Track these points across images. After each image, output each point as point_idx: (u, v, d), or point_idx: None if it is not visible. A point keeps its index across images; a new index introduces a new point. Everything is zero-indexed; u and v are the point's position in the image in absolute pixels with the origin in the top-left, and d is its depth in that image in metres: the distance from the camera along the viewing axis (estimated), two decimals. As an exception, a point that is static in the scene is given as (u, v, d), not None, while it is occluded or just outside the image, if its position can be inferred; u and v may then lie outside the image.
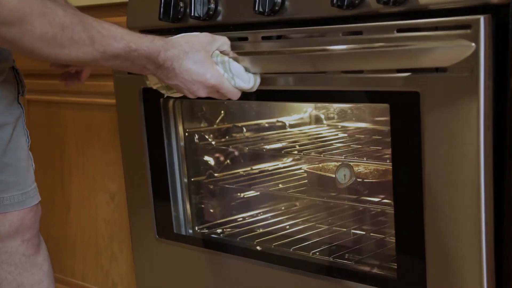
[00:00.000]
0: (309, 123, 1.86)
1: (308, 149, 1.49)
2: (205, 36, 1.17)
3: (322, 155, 1.40)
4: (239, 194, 1.65)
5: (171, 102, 1.47)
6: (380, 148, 1.45)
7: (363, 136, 1.65)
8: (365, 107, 1.58)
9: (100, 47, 1.06)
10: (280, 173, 1.69)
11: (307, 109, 1.85)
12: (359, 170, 1.38)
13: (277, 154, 1.71)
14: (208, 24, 1.34)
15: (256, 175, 1.66)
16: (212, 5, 1.31)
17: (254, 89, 1.20)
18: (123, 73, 1.54)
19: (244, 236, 1.45)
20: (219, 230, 1.54)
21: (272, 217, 1.58)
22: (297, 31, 1.20)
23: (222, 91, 1.16)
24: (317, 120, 1.86)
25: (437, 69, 1.01)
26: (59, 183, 1.99)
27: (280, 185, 1.57)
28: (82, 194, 1.93)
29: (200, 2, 1.31)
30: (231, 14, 1.31)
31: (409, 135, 1.06)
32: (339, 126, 1.81)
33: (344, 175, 1.26)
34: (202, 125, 1.59)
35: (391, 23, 1.07)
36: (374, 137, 1.63)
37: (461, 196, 1.02)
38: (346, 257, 1.25)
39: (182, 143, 1.50)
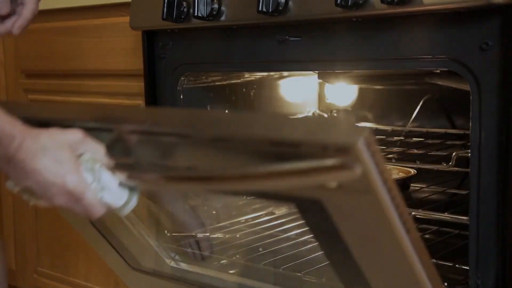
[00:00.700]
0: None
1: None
2: (74, 134, 0.92)
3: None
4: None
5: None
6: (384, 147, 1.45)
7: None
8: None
9: None
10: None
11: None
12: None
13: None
14: (212, 24, 1.34)
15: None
16: (216, 5, 1.31)
17: (126, 211, 0.94)
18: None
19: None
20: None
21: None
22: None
23: (83, 202, 0.90)
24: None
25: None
26: (62, 183, 1.99)
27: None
28: (85, 194, 1.92)
29: (203, 2, 1.31)
30: (235, 14, 1.31)
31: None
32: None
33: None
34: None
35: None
36: (378, 136, 1.64)
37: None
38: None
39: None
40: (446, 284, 1.21)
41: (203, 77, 1.57)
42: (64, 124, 0.93)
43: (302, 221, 0.89)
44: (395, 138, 1.59)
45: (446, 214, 1.25)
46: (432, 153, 1.37)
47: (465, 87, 1.21)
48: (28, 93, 2.03)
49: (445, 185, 1.54)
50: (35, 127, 0.90)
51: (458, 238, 1.48)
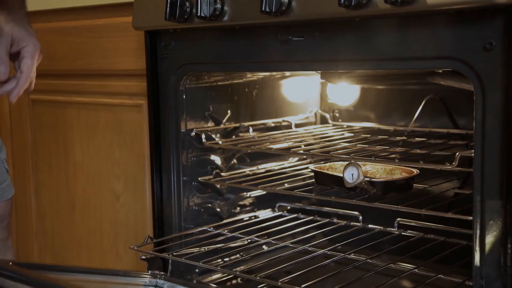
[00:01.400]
0: (315, 123, 1.86)
1: (314, 149, 1.49)
2: None
3: (330, 155, 1.40)
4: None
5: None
6: (387, 147, 1.45)
7: (369, 135, 1.66)
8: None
9: None
10: (285, 172, 1.70)
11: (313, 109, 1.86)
12: (366, 169, 1.38)
13: (283, 154, 1.71)
14: (214, 24, 1.33)
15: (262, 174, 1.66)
16: (219, 5, 1.31)
17: None
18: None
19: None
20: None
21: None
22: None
23: None
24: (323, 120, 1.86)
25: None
26: (64, 183, 1.99)
27: (286, 185, 1.58)
28: (87, 194, 1.93)
29: (206, 2, 1.31)
30: (238, 14, 1.31)
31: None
32: (345, 126, 1.81)
33: (352, 174, 1.26)
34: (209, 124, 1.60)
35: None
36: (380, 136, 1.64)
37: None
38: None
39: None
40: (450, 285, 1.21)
41: (206, 77, 1.57)
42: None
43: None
44: (398, 138, 1.59)
45: (450, 214, 1.25)
46: (435, 153, 1.37)
47: (468, 87, 1.22)
48: (30, 93, 2.03)
49: (448, 185, 1.54)
50: None
51: (461, 238, 1.48)
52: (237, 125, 1.66)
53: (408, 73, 1.45)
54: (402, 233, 1.58)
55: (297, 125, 1.78)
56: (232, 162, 1.67)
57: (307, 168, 1.70)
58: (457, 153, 1.21)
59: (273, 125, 1.75)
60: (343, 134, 1.70)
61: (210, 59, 1.43)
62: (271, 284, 1.28)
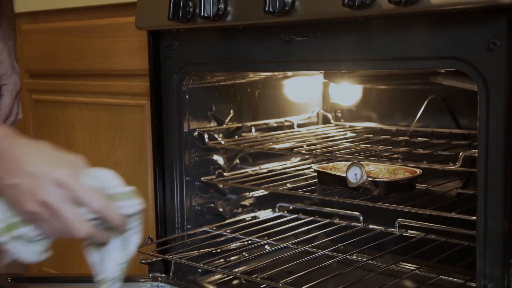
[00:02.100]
0: (317, 123, 1.86)
1: (317, 149, 1.49)
2: None
3: (333, 155, 1.40)
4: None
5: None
6: (390, 147, 1.45)
7: (371, 135, 1.66)
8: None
9: None
10: (287, 173, 1.70)
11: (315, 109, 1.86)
12: (369, 169, 1.38)
13: (285, 154, 1.71)
14: (218, 24, 1.33)
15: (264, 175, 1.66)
16: (222, 5, 1.31)
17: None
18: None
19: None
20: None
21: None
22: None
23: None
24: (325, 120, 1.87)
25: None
26: (66, 183, 1.99)
27: (288, 185, 1.58)
28: (89, 194, 1.92)
29: (209, 2, 1.31)
30: (241, 14, 1.31)
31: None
32: (347, 126, 1.81)
33: (355, 174, 1.26)
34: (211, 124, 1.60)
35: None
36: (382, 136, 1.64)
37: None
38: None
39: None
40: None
41: (208, 77, 1.57)
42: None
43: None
44: (400, 138, 1.59)
45: (453, 214, 1.25)
46: (439, 153, 1.37)
47: (470, 86, 1.22)
48: (32, 93, 2.03)
49: (450, 185, 1.54)
50: None
51: (462, 238, 1.48)
52: (240, 125, 1.66)
53: (411, 73, 1.45)
54: (403, 234, 1.58)
55: (299, 125, 1.78)
56: (235, 162, 1.67)
57: (309, 168, 1.70)
58: (460, 153, 1.21)
59: (275, 125, 1.75)
60: (345, 134, 1.70)
61: (213, 59, 1.43)
62: (272, 286, 1.28)
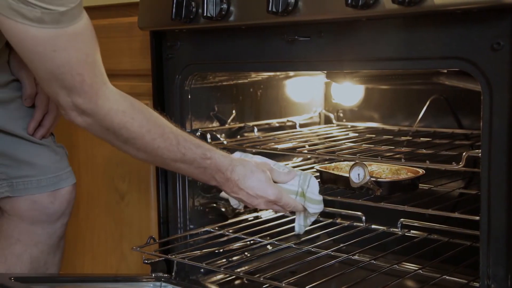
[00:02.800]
0: (319, 123, 1.86)
1: (319, 149, 1.49)
2: (267, 160, 1.37)
3: (336, 155, 1.40)
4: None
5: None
6: (393, 147, 1.45)
7: (374, 135, 1.66)
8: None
9: (183, 148, 1.24)
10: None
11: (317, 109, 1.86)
12: (372, 169, 1.38)
13: (288, 154, 1.71)
14: (220, 24, 1.34)
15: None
16: (225, 5, 1.31)
17: (309, 222, 1.39)
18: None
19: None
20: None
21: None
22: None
23: (280, 204, 1.31)
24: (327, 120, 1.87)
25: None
26: (67, 183, 1.99)
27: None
28: (91, 193, 1.93)
29: (212, 2, 1.31)
30: (244, 14, 1.31)
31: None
32: (349, 126, 1.81)
33: (358, 174, 1.26)
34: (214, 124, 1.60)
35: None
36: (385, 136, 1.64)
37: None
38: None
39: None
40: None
41: (211, 77, 1.57)
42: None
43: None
44: (403, 138, 1.59)
45: (456, 214, 1.25)
46: (441, 153, 1.37)
47: (473, 86, 1.22)
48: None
49: (453, 185, 1.54)
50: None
51: (465, 238, 1.48)
52: (242, 125, 1.66)
53: (413, 73, 1.45)
54: (406, 234, 1.58)
55: (301, 125, 1.79)
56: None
57: (311, 168, 1.70)
58: (464, 153, 1.21)
59: (277, 125, 1.75)
60: (347, 134, 1.70)
61: (216, 59, 1.43)
62: (275, 285, 1.28)
